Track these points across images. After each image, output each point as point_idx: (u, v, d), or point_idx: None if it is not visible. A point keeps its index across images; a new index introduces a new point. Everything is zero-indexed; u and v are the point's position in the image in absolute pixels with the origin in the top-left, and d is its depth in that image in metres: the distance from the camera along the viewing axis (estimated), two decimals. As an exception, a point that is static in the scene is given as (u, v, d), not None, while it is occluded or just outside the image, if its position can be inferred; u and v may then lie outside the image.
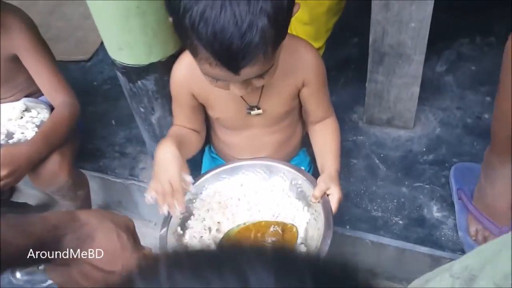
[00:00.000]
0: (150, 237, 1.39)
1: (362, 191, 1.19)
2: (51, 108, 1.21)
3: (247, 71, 0.69)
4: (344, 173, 1.24)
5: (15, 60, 1.16)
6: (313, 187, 0.85)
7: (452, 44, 1.52)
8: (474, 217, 1.04)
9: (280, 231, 0.84)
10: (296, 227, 0.86)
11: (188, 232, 0.90)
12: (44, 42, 1.22)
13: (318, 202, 0.83)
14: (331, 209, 0.82)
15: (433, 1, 1.02)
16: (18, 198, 1.54)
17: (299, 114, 1.00)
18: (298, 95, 0.92)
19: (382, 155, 1.27)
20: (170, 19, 0.70)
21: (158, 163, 0.83)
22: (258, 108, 0.90)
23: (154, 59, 0.96)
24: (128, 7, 0.86)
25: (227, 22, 0.62)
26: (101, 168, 1.37)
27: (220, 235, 0.88)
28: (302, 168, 0.99)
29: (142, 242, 1.39)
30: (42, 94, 1.23)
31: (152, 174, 0.84)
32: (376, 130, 1.33)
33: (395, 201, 1.16)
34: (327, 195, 0.84)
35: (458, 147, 1.24)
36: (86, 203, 1.30)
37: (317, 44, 1.31)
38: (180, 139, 0.88)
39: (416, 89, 1.20)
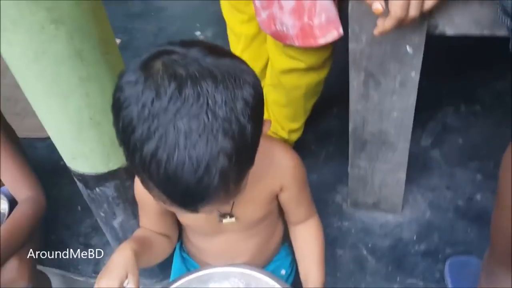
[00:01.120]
0: None
1: (350, 289, 1.09)
2: (12, 200, 1.10)
3: (207, 209, 0.60)
4: (330, 267, 1.14)
5: None
6: None
7: (436, 114, 1.46)
8: None
9: None
10: None
11: None
12: (8, 128, 1.13)
13: None
14: None
15: (416, 91, 0.95)
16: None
17: (278, 213, 0.91)
18: (275, 197, 0.83)
19: (370, 244, 1.17)
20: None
21: (107, 266, 0.73)
22: (231, 216, 0.81)
23: (113, 166, 0.87)
24: (80, 119, 0.77)
25: (181, 165, 0.53)
26: (64, 263, 1.25)
27: None
28: (284, 274, 0.89)
29: None
30: (3, 184, 1.12)
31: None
32: (362, 215, 1.24)
33: (387, 301, 1.06)
34: None
35: (451, 235, 1.15)
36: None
37: (295, 125, 1.24)
38: (143, 242, 0.79)
39: (402, 175, 1.12)
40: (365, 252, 1.16)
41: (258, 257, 0.91)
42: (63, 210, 1.38)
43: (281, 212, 0.92)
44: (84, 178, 0.90)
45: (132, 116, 0.54)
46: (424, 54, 0.88)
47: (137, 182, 0.80)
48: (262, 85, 0.63)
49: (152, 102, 0.53)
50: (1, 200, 1.13)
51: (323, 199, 1.29)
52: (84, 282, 1.22)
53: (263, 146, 0.74)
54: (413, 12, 0.70)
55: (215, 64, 0.54)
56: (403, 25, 0.72)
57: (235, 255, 0.89)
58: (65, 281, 1.26)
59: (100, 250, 1.26)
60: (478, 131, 1.38)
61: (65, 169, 1.52)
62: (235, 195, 0.63)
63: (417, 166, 1.31)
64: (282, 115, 1.16)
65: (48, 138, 1.70)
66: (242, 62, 0.58)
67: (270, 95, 1.17)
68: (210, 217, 0.82)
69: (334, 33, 0.92)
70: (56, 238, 1.31)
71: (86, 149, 0.83)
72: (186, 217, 0.84)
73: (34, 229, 1.07)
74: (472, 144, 1.35)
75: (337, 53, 1.10)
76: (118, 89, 0.57)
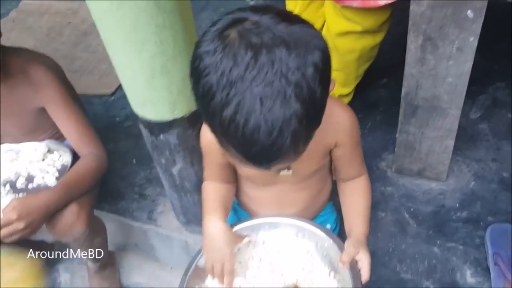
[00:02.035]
0: (163, 280, 1.36)
1: (391, 249, 1.13)
2: (74, 152, 1.18)
3: (278, 166, 0.66)
4: (371, 227, 1.16)
5: (42, 112, 1.14)
6: (341, 251, 0.80)
7: (487, 89, 1.45)
8: None
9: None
10: None
11: None
12: (73, 92, 1.20)
13: (346, 268, 0.78)
14: (360, 278, 0.77)
15: (472, 57, 0.96)
16: (36, 235, 1.52)
17: (328, 169, 0.95)
18: (329, 153, 0.88)
19: (412, 209, 1.20)
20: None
21: (210, 239, 0.84)
22: (289, 169, 0.86)
23: (177, 115, 0.93)
24: (153, 67, 0.83)
25: (258, 128, 0.58)
26: (119, 210, 1.35)
27: None
28: (329, 229, 0.93)
29: (157, 285, 1.35)
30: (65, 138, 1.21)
31: (202, 247, 0.85)
32: (406, 181, 1.27)
33: (426, 262, 1.10)
34: (356, 261, 0.78)
35: (494, 204, 1.17)
36: (103, 248, 1.26)
37: (345, 90, 1.27)
38: (223, 206, 0.88)
39: (451, 142, 1.14)
40: (407, 216, 1.19)
41: (306, 210, 0.95)
42: (119, 163, 1.47)
43: (330, 171, 0.96)
44: (150, 125, 0.96)
45: (212, 83, 0.58)
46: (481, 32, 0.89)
47: (204, 134, 0.86)
48: None
49: (230, 70, 0.57)
50: (65, 153, 1.22)
51: (368, 165, 1.28)
52: (139, 228, 1.32)
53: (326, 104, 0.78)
54: None
55: (287, 31, 0.58)
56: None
57: (285, 206, 0.94)
58: (121, 226, 1.36)
59: (154, 199, 1.36)
60: (529, 107, 1.38)
61: (120, 125, 1.62)
62: (302, 153, 0.68)
63: (465, 138, 1.32)
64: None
65: (104, 95, 1.81)
66: (311, 26, 0.61)
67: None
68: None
69: None
70: (113, 188, 1.40)
71: (155, 96, 0.89)
72: (248, 169, 0.90)
73: (96, 181, 1.15)
74: (522, 119, 1.35)
75: (392, 21, 1.12)
76: (196, 58, 0.61)
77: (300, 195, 0.93)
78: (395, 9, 1.10)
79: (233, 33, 0.59)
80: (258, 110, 0.57)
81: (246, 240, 0.87)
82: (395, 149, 1.23)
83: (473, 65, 1.46)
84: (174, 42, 0.82)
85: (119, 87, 1.76)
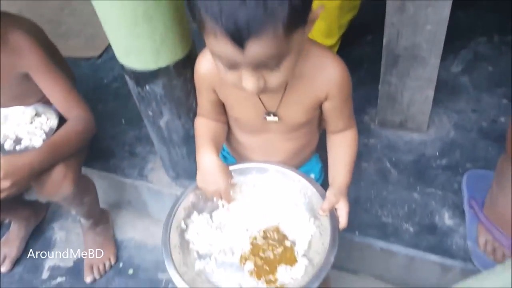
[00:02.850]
0: (156, 235, 1.41)
1: (373, 196, 1.18)
2: (61, 116, 1.20)
3: (254, 48, 0.62)
4: (355, 177, 1.21)
5: (27, 77, 1.15)
6: (322, 200, 0.83)
7: (469, 43, 1.48)
8: (484, 227, 1.02)
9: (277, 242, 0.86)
10: (292, 242, 0.86)
11: (190, 227, 0.90)
12: (57, 56, 1.20)
13: (326, 215, 0.82)
14: (338, 225, 0.81)
15: (450, 3, 0.98)
16: (29, 195, 1.55)
17: (317, 124, 0.98)
18: (319, 105, 0.89)
19: (394, 159, 1.24)
20: None
21: (205, 173, 0.88)
22: (275, 115, 0.88)
23: (162, 64, 0.95)
24: (135, 13, 0.85)
25: None
26: (111, 167, 1.38)
27: (222, 234, 0.89)
28: (313, 178, 0.97)
29: (151, 241, 1.40)
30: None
31: (197, 181, 0.89)
32: (388, 133, 1.30)
33: (406, 207, 1.14)
34: (335, 209, 0.82)
35: (472, 152, 1.21)
36: (93, 207, 1.30)
37: (329, 42, 1.28)
38: (216, 141, 0.91)
39: (431, 92, 1.17)
40: (388, 165, 1.23)
41: (292, 159, 0.98)
42: (108, 123, 1.49)
43: (318, 124, 0.99)
44: (135, 75, 0.98)
45: None
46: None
47: (198, 68, 0.87)
48: None
49: None
50: (52, 116, 1.22)
51: None
52: (130, 184, 1.35)
53: (316, 54, 0.80)
54: None
55: None
56: None
57: (272, 154, 0.97)
58: (113, 183, 1.39)
59: (144, 157, 1.39)
60: (509, 60, 1.40)
61: (108, 87, 1.64)
62: (286, 48, 0.65)
63: (446, 91, 1.36)
64: (316, 29, 1.21)
65: (91, 58, 1.81)
66: None
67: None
68: (256, 114, 0.89)
69: None
70: (104, 147, 1.43)
71: (138, 45, 0.91)
72: (236, 109, 0.91)
73: (82, 143, 1.16)
74: (502, 71, 1.38)
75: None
76: None
77: (287, 145, 0.96)
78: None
79: None
80: None
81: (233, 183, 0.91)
82: (378, 101, 1.26)
83: (457, 21, 1.48)
84: (156, -14, 0.83)
85: (106, 49, 1.77)
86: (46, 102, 1.24)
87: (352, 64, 1.47)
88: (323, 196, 0.84)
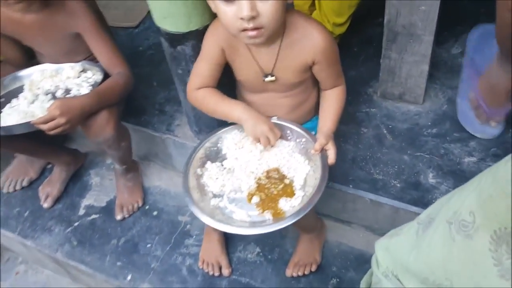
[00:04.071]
0: (179, 184, 1.61)
1: (368, 156, 1.34)
2: (105, 73, 1.39)
3: None
4: (354, 140, 1.39)
5: (78, 36, 1.35)
6: (314, 144, 1.02)
7: (469, 28, 1.60)
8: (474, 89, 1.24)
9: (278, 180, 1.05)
10: (290, 180, 1.05)
11: (205, 173, 1.09)
12: (104, 21, 1.40)
13: (317, 154, 1.00)
14: (327, 162, 0.99)
15: (442, -13, 1.13)
16: (70, 145, 1.77)
17: (312, 83, 1.15)
18: (308, 70, 1.07)
19: (390, 126, 1.40)
20: None
21: (252, 118, 1.06)
22: (272, 76, 1.07)
23: (192, 27, 1.13)
24: (172, -17, 1.03)
25: None
26: (142, 123, 1.58)
27: (232, 177, 1.07)
28: (306, 129, 1.15)
29: (174, 189, 1.60)
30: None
31: (246, 130, 1.08)
32: (388, 104, 1.46)
33: (396, 166, 1.30)
34: (325, 150, 1.00)
35: (460, 123, 1.36)
36: (127, 153, 1.50)
37: (340, 19, 1.44)
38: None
39: (425, 67, 1.32)
40: (385, 131, 1.39)
41: (292, 114, 1.16)
42: (142, 85, 1.69)
43: (316, 84, 1.16)
44: (170, 36, 1.17)
45: None
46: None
47: (210, 32, 1.06)
48: None
49: None
50: (97, 72, 1.43)
51: (357, 90, 1.52)
52: (158, 137, 1.55)
53: (303, 24, 0.98)
54: None
55: None
56: None
57: (274, 109, 1.15)
58: (144, 137, 1.59)
59: (172, 115, 1.58)
60: (507, 45, 1.53)
61: (143, 53, 1.84)
62: None
63: (444, 69, 1.50)
64: (328, 8, 1.37)
65: (129, 27, 2.01)
66: None
67: (321, -12, 1.38)
68: (256, 75, 1.08)
69: None
70: (137, 105, 1.63)
71: (174, 10, 1.09)
72: (240, 72, 1.10)
73: (122, 95, 1.37)
74: (498, 55, 1.51)
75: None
76: None
77: (285, 101, 1.14)
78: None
79: None
80: None
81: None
82: (380, 74, 1.41)
83: (461, 7, 1.62)
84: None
85: (142, 21, 1.97)
86: (91, 60, 1.45)
87: (363, 42, 1.66)
88: (314, 141, 1.02)
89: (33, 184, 1.71)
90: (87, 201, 1.63)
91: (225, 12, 0.91)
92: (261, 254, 1.38)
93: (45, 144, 1.61)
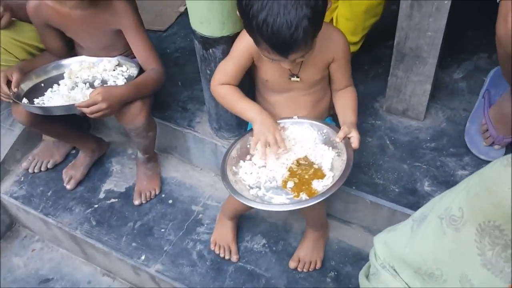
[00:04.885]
0: (194, 178, 1.74)
1: (371, 163, 1.48)
2: (140, 68, 1.54)
3: (294, 56, 1.02)
4: (360, 148, 1.51)
5: (119, 33, 1.50)
6: (336, 133, 1.17)
7: (472, 57, 1.76)
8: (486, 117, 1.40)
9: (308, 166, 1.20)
10: (319, 165, 1.19)
11: (240, 170, 1.21)
12: (142, 20, 1.56)
13: (341, 141, 1.14)
14: (351, 147, 1.14)
15: (446, 16, 1.28)
16: (95, 134, 1.91)
17: (327, 82, 1.31)
18: (327, 67, 1.23)
19: (393, 138, 1.54)
20: (239, 15, 1.03)
21: (262, 121, 1.19)
22: (298, 76, 1.21)
23: (225, 33, 1.28)
24: (212, -8, 1.18)
25: (282, 25, 0.94)
26: (166, 117, 1.71)
27: (265, 170, 1.20)
28: (326, 121, 1.29)
29: (189, 181, 1.72)
30: (134, 56, 1.56)
31: (255, 130, 1.21)
32: (392, 118, 1.60)
33: (395, 174, 1.44)
34: (349, 138, 1.14)
35: (457, 140, 1.49)
36: (152, 143, 1.64)
37: (354, 38, 1.59)
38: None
39: (428, 87, 1.46)
40: (388, 142, 1.53)
41: (312, 112, 1.31)
42: (167, 83, 1.81)
43: (329, 85, 1.31)
44: (203, 39, 1.32)
45: None
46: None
47: (243, 40, 1.20)
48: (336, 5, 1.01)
49: None
50: (132, 67, 1.57)
51: (365, 104, 1.66)
52: (180, 131, 1.68)
53: (325, 29, 1.13)
54: None
55: None
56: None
57: (296, 107, 1.29)
58: (166, 130, 1.72)
59: (194, 112, 1.72)
60: (504, 75, 1.68)
61: (170, 55, 1.99)
62: (309, 49, 1.03)
63: (445, 92, 1.65)
64: (345, 27, 1.52)
65: (159, 31, 2.16)
66: None
67: (340, 10, 1.54)
68: (283, 75, 1.23)
69: None
70: (162, 101, 1.76)
71: (210, 16, 1.24)
72: (267, 73, 1.25)
73: (155, 89, 1.52)
74: (495, 82, 1.65)
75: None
76: None
77: (307, 99, 1.28)
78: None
79: None
80: (282, 13, 0.93)
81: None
82: (386, 90, 1.56)
83: (465, 38, 1.78)
84: (230, -24, 1.17)
85: (170, 26, 2.13)
86: (126, 56, 1.59)
87: (373, 62, 1.82)
88: (336, 131, 1.17)
89: (57, 167, 1.84)
90: (107, 186, 1.76)
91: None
92: (266, 245, 1.50)
93: (74, 130, 1.75)
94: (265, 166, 1.22)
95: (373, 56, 1.82)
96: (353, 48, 1.63)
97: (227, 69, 1.26)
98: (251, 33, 1.03)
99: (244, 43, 1.20)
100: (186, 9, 2.20)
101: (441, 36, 1.32)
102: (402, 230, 1.02)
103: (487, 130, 1.40)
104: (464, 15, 1.50)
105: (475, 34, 1.83)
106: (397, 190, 1.40)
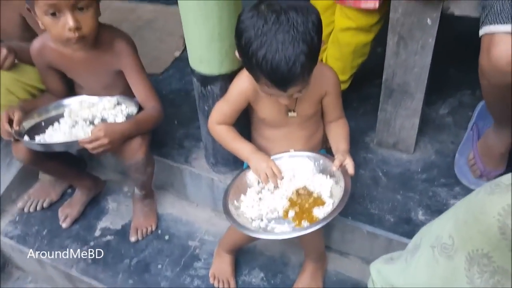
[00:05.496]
0: (190, 214, 1.75)
1: (365, 194, 1.52)
2: (139, 106, 1.58)
3: (292, 90, 1.08)
4: (353, 179, 1.53)
5: (119, 73, 1.56)
6: (332, 162, 1.21)
7: (456, 94, 1.85)
8: (474, 150, 1.46)
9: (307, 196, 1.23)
10: (318, 194, 1.23)
11: (242, 204, 1.24)
12: (141, 61, 1.62)
13: (338, 169, 1.18)
14: (348, 174, 1.19)
15: (431, 53, 1.37)
16: (91, 172, 1.92)
17: (320, 116, 1.36)
18: (320, 102, 1.29)
19: (385, 170, 1.59)
20: (237, 54, 1.10)
21: (258, 159, 1.25)
22: (294, 111, 1.27)
23: (223, 71, 1.35)
24: (213, 34, 1.26)
25: (280, 61, 1.01)
26: (163, 154, 1.75)
27: (266, 202, 1.23)
28: (321, 152, 1.34)
29: (185, 217, 1.73)
30: (133, 96, 1.60)
31: (252, 169, 1.27)
32: (383, 151, 1.66)
33: (389, 204, 1.48)
34: (344, 165, 1.18)
35: (446, 172, 1.55)
36: (150, 179, 1.66)
37: (343, 77, 1.67)
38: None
39: (416, 120, 1.53)
40: (380, 174, 1.58)
41: (307, 144, 1.35)
42: (164, 123, 1.85)
43: (321, 118, 1.36)
44: (202, 77, 1.38)
45: (251, 35, 1.02)
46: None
47: (240, 85, 1.26)
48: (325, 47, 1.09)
49: (262, 26, 1.00)
50: (131, 106, 1.62)
51: (356, 139, 1.72)
52: (176, 168, 1.71)
53: (318, 67, 1.20)
54: None
55: (293, 2, 1.02)
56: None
57: (292, 141, 1.34)
58: (162, 167, 1.75)
59: (190, 149, 1.76)
60: (486, 110, 1.76)
61: (166, 97, 2.06)
62: (306, 84, 1.09)
63: (433, 126, 1.72)
64: (334, 67, 1.60)
65: (154, 74, 2.23)
66: (308, 2, 1.05)
67: (329, 51, 1.63)
68: (280, 111, 1.28)
69: (371, 4, 1.37)
70: (159, 139, 1.80)
71: (210, 56, 1.31)
72: (264, 111, 1.30)
73: (155, 126, 1.57)
74: (479, 117, 1.74)
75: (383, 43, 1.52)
76: (240, 22, 1.06)
77: (302, 133, 1.34)
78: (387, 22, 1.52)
79: (262, 6, 1.02)
80: (280, 50, 0.99)
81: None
82: (377, 125, 1.62)
83: (450, 76, 1.88)
84: (228, 18, 1.24)
85: (166, 69, 2.21)
86: (125, 95, 1.64)
87: (362, 99, 1.90)
88: (332, 160, 1.21)
89: (53, 206, 1.84)
90: (103, 223, 1.76)
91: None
92: (264, 278, 1.50)
93: (71, 168, 1.77)
94: (264, 199, 1.25)
95: (361, 94, 1.90)
96: (343, 87, 1.71)
97: (224, 110, 1.31)
98: (250, 70, 1.09)
99: (240, 87, 1.26)
100: (180, 54, 2.32)
101: (427, 72, 1.41)
102: (396, 263, 1.04)
103: (475, 163, 1.46)
104: (446, 54, 1.60)
105: (458, 72, 1.93)
106: (392, 219, 1.43)
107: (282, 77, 1.02)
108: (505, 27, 1.02)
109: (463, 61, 1.90)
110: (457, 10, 1.26)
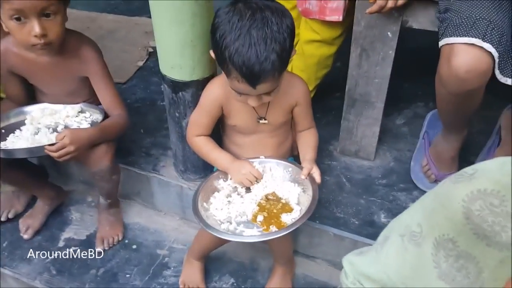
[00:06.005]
0: (157, 222, 1.74)
1: (331, 199, 1.58)
2: (104, 114, 1.56)
3: (261, 87, 1.11)
4: (319, 186, 1.61)
5: (84, 80, 1.55)
6: (300, 170, 1.25)
7: (410, 106, 1.98)
8: (426, 157, 1.55)
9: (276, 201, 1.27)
10: (286, 200, 1.26)
11: (211, 206, 1.26)
12: (107, 68, 1.62)
13: (306, 178, 1.22)
14: (315, 182, 1.23)
15: (391, 65, 1.46)
16: (54, 182, 1.87)
17: (290, 125, 1.41)
18: (291, 111, 1.34)
19: (348, 176, 1.66)
20: (212, 53, 1.13)
21: (237, 167, 1.29)
22: (265, 119, 1.31)
23: (194, 78, 1.37)
24: (185, 40, 1.29)
25: (252, 56, 1.04)
26: (130, 162, 1.73)
27: (235, 205, 1.26)
28: (290, 160, 1.38)
29: (153, 226, 1.72)
30: (99, 103, 1.59)
31: (234, 178, 1.31)
32: (346, 159, 1.74)
33: (354, 208, 1.54)
34: (312, 174, 1.23)
35: (404, 177, 1.65)
36: (115, 187, 1.64)
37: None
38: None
39: (377, 129, 1.62)
40: (344, 180, 1.65)
41: (277, 151, 1.39)
42: (130, 131, 1.86)
43: (291, 127, 1.42)
44: (173, 84, 1.40)
45: (225, 29, 1.06)
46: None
47: (212, 92, 1.29)
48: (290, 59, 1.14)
49: (238, 21, 1.05)
50: (95, 113, 1.61)
51: (320, 148, 1.74)
52: (144, 176, 1.71)
53: (288, 77, 1.26)
54: (390, 4, 1.23)
55: (270, 3, 1.08)
56: (383, 12, 1.25)
57: (262, 148, 1.38)
58: (129, 175, 1.74)
59: (158, 157, 1.76)
60: (439, 120, 1.89)
61: (131, 105, 2.05)
62: (276, 85, 1.14)
63: (391, 136, 1.82)
64: (300, 77, 1.68)
65: (118, 83, 2.22)
66: (280, 4, 1.11)
67: (295, 62, 1.70)
68: (251, 119, 1.32)
69: (336, 17, 1.46)
70: (125, 148, 1.78)
71: (182, 62, 1.34)
72: (235, 118, 1.34)
73: (121, 133, 1.56)
74: (432, 126, 1.86)
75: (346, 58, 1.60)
76: (217, 16, 1.10)
77: (273, 140, 1.38)
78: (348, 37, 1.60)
79: (240, 3, 1.07)
80: (253, 44, 1.03)
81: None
82: (340, 134, 1.70)
83: (405, 90, 2.00)
84: (201, 24, 1.27)
85: (129, 79, 2.20)
86: (90, 102, 1.63)
87: (325, 110, 1.98)
88: (300, 169, 1.25)
89: (16, 217, 1.77)
90: (67, 234, 1.71)
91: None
92: (235, 284, 1.52)
93: (33, 178, 1.72)
94: (233, 202, 1.28)
95: (324, 106, 1.98)
96: (307, 96, 1.79)
97: (199, 121, 1.34)
98: (222, 63, 1.11)
99: (212, 95, 1.29)
100: (144, 63, 2.33)
101: (387, 82, 1.50)
102: (367, 254, 1.10)
103: (429, 169, 1.56)
104: (401, 69, 1.71)
105: (411, 86, 2.06)
106: (357, 222, 1.50)
107: (252, 72, 1.04)
108: (464, 39, 1.11)
109: (416, 76, 2.05)
110: (415, 24, 1.36)
